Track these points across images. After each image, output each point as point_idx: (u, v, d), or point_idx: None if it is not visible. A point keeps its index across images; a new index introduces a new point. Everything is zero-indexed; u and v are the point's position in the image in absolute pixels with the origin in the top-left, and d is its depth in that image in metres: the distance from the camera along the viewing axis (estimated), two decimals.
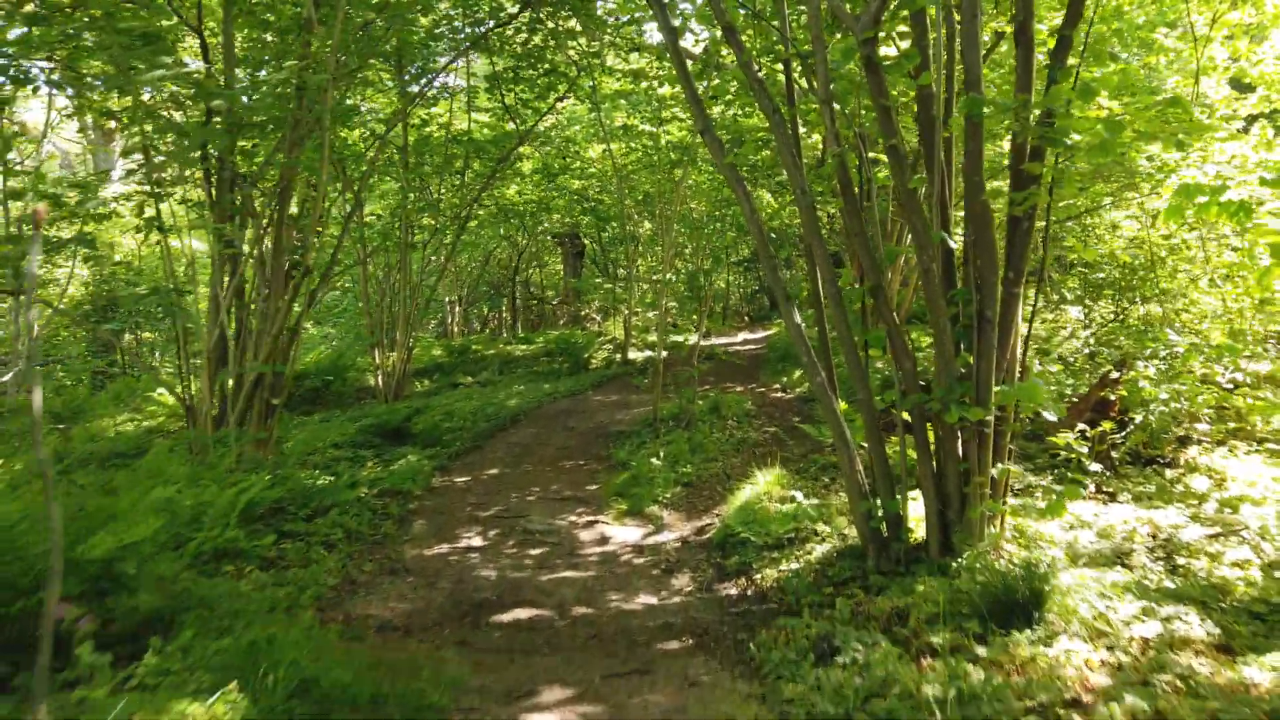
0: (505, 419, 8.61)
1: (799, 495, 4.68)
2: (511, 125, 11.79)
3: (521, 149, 13.57)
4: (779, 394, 9.03)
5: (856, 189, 4.00)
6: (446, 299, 18.17)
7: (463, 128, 11.79)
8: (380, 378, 11.23)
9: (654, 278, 15.98)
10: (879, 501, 3.94)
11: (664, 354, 7.12)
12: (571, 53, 11.19)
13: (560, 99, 11.64)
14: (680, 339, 15.79)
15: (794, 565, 4.01)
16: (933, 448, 3.91)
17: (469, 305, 20.31)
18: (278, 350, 6.67)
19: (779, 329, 16.28)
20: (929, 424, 3.91)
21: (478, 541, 4.80)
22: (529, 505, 5.50)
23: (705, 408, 7.48)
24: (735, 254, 24.85)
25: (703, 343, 15.66)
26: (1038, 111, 3.72)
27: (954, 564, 3.62)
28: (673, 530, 4.93)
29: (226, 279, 6.63)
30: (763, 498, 5.00)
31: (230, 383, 6.58)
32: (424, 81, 9.66)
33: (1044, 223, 4.50)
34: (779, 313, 24.23)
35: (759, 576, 4.00)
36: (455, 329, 18.42)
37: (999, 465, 3.78)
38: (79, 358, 15.00)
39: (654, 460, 5.86)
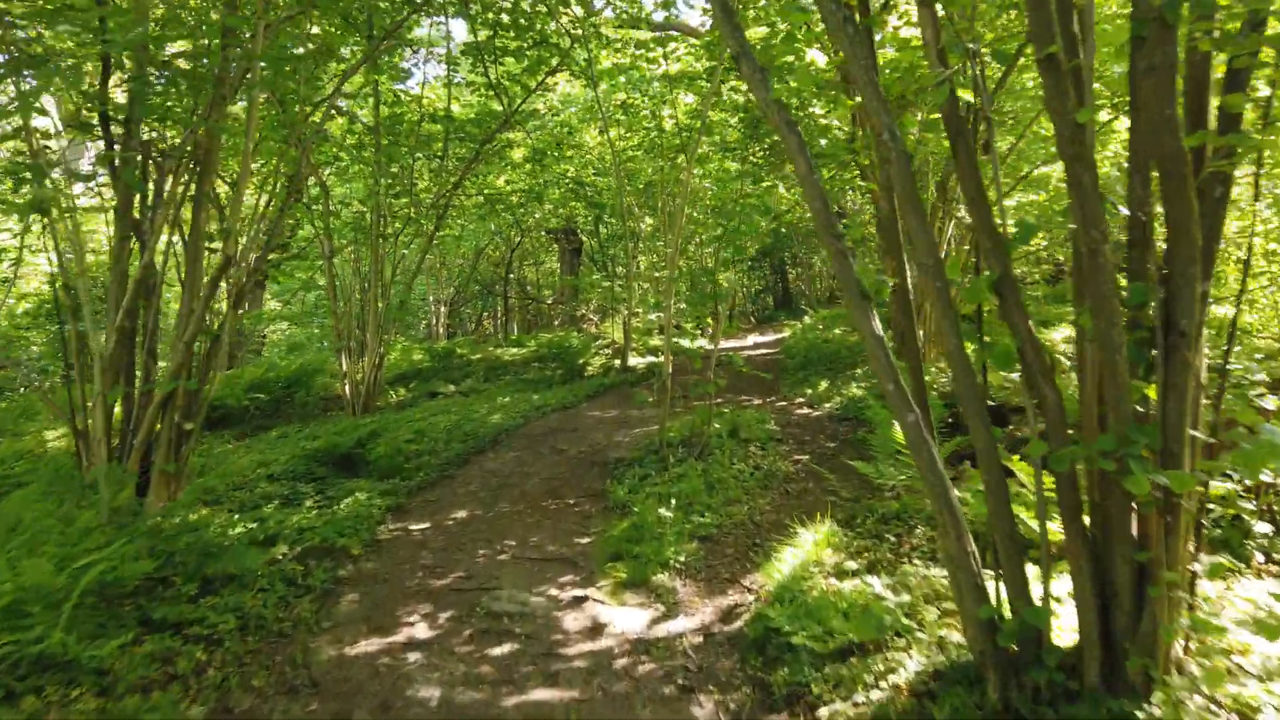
0: (484, 439, 7.31)
1: (877, 584, 3.36)
2: (498, 106, 10.48)
3: (511, 135, 12.30)
4: (804, 410, 7.73)
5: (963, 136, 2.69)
6: (431, 298, 16.89)
7: (442, 105, 10.49)
8: (348, 387, 9.93)
9: (656, 274, 14.68)
10: (1006, 603, 2.64)
11: (671, 367, 5.83)
12: (564, 20, 9.89)
13: (551, 73, 10.33)
14: (685, 343, 14.50)
15: (875, 693, 2.71)
16: (1085, 519, 2.63)
17: (457, 305, 19.03)
18: (194, 361, 5.38)
19: (793, 331, 14.98)
20: (1078, 485, 2.63)
21: (423, 631, 3.50)
22: (499, 569, 4.19)
23: (722, 429, 6.18)
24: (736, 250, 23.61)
25: (708, 346, 14.40)
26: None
27: (1137, 713, 2.32)
28: (689, 613, 3.63)
29: (133, 272, 5.34)
30: (811, 569, 3.70)
31: (137, 401, 5.32)
32: (394, 30, 8.28)
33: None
34: (787, 313, 22.68)
35: (824, 712, 2.70)
36: (441, 331, 17.13)
37: (1202, 558, 2.49)
38: (43, 358, 13.76)
39: (663, 511, 4.55)
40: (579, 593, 3.84)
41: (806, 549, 3.92)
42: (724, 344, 15.04)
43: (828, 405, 7.53)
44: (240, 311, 12.82)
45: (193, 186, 5.47)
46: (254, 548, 4.17)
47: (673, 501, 4.74)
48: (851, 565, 3.66)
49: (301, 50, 8.20)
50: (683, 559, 4.10)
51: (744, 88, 10.21)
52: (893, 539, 4.05)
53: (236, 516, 4.93)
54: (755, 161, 11.18)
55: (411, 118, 9.64)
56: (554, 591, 3.88)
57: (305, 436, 8.49)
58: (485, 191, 11.98)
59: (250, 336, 15.66)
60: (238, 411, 10.08)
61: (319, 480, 5.82)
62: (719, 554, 4.25)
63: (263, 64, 5.36)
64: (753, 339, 15.39)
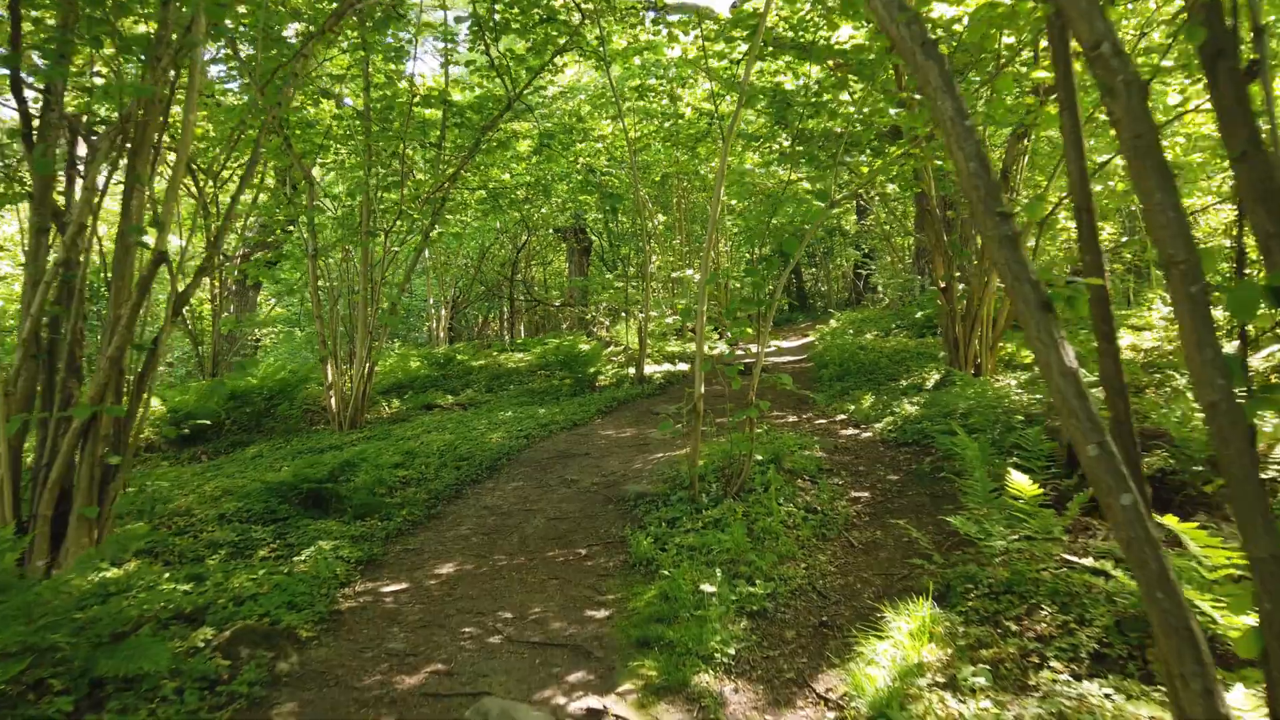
0: (482, 465, 6.33)
1: None
2: (500, 90, 9.51)
3: (516, 126, 11.33)
4: (850, 430, 6.72)
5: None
6: (432, 300, 15.94)
7: (439, 90, 9.51)
8: (334, 399, 8.98)
9: (673, 275, 13.67)
10: None
11: (703, 387, 4.81)
12: None
13: (558, 52, 9.34)
14: (721, 347, 13.49)
15: None
16: None
17: (461, 308, 18.07)
18: (119, 382, 4.42)
19: (820, 335, 13.95)
20: None
21: None
22: (490, 659, 3.20)
23: (764, 458, 5.16)
24: (745, 248, 22.60)
25: (729, 352, 13.39)
26: None
27: None
28: None
29: (48, 272, 4.39)
30: (913, 677, 2.70)
31: (52, 430, 4.37)
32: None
33: None
34: (804, 315, 21.71)
35: None
36: (442, 335, 16.18)
37: None
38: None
39: (706, 586, 3.52)
40: (594, 703, 2.85)
41: (901, 642, 2.92)
42: (744, 350, 14.03)
43: (878, 426, 6.51)
44: (224, 314, 11.85)
45: (123, 167, 4.52)
46: (171, 630, 3.21)
47: (715, 568, 3.72)
48: (973, 677, 2.65)
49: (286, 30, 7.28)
50: (732, 650, 3.10)
51: (772, 67, 9.21)
52: (1013, 625, 3.04)
53: (167, 575, 3.96)
54: (783, 150, 10.19)
55: (403, 99, 8.67)
56: (560, 699, 2.89)
57: (283, 456, 7.57)
58: (490, 185, 11.01)
59: (243, 342, 14.76)
60: (213, 425, 9.14)
61: (280, 522, 4.85)
62: (777, 639, 3.25)
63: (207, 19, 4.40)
64: (774, 344, 14.37)
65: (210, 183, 11.61)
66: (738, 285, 19.36)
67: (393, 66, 9.04)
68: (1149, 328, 10.00)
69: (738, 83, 5.25)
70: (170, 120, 9.27)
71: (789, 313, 25.22)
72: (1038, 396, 5.74)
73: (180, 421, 8.93)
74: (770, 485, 4.72)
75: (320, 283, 9.25)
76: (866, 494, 4.93)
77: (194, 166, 11.49)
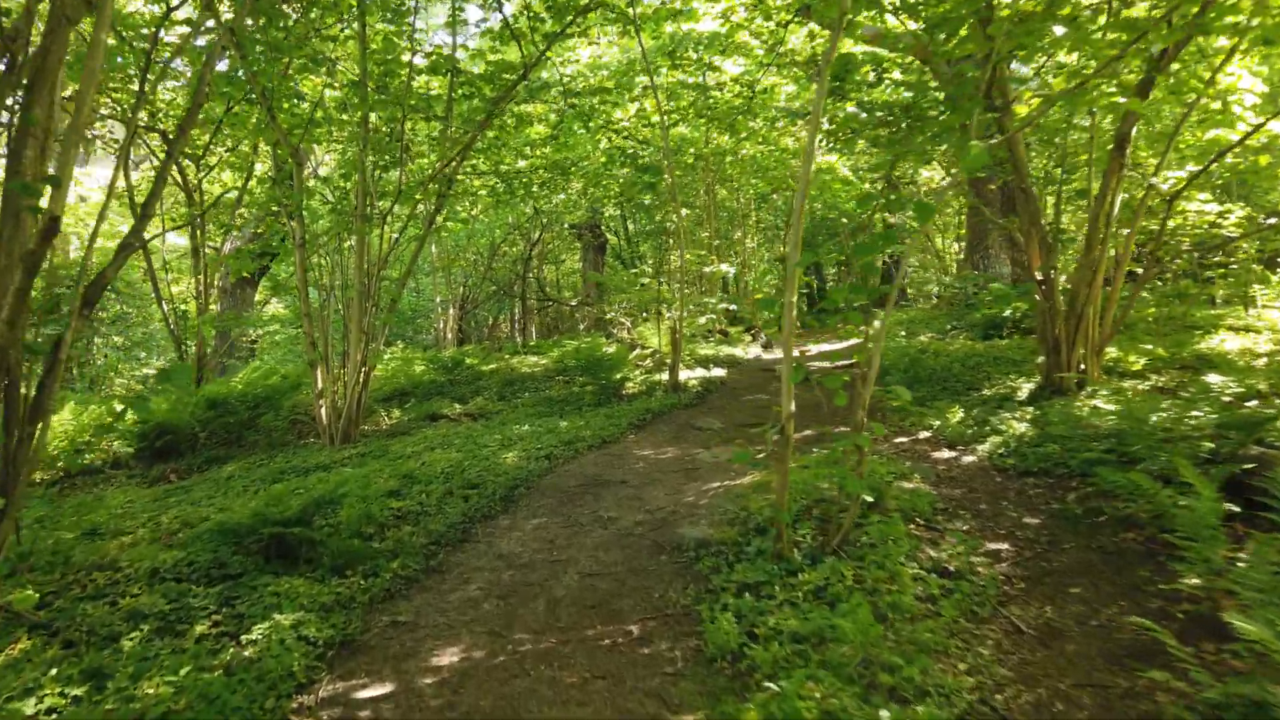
0: (495, 494, 5.15)
1: None
2: (515, 55, 8.37)
3: (532, 110, 10.17)
4: (943, 452, 5.50)
5: None
6: (438, 299, 14.81)
7: (446, 53, 8.37)
8: (325, 409, 7.83)
9: (706, 269, 12.46)
10: None
11: (793, 406, 3.57)
12: None
13: (582, 12, 8.18)
14: (736, 352, 12.27)
15: None
16: None
17: (470, 308, 16.90)
18: (12, 396, 3.28)
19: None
20: None
21: None
22: None
23: (865, 497, 3.94)
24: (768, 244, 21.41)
25: (765, 356, 12.15)
26: None
27: None
28: None
29: None
30: None
31: None
32: None
33: None
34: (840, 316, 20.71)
35: None
36: (449, 336, 15.04)
37: None
38: None
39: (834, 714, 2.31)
40: None
41: None
42: (780, 355, 12.79)
43: (982, 448, 5.29)
44: (208, 312, 10.69)
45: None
46: None
47: (858, 685, 2.50)
48: None
49: None
50: None
51: (814, 42, 8.01)
52: None
53: (55, 671, 2.79)
54: (838, 128, 9.00)
55: (400, 58, 7.52)
56: None
57: (261, 477, 6.44)
58: (502, 166, 9.86)
59: (236, 342, 13.65)
60: (186, 438, 8.02)
61: (231, 580, 3.67)
62: None
63: None
64: (814, 348, 13.13)
65: (194, 167, 10.52)
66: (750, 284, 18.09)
67: (393, 29, 7.91)
68: (1254, 329, 8.76)
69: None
70: (151, 99, 8.12)
71: (809, 315, 23.94)
72: (1198, 413, 4.52)
73: (149, 434, 7.82)
74: (887, 538, 3.51)
75: (314, 275, 8.13)
76: (1005, 545, 3.72)
77: (182, 154, 10.39)
